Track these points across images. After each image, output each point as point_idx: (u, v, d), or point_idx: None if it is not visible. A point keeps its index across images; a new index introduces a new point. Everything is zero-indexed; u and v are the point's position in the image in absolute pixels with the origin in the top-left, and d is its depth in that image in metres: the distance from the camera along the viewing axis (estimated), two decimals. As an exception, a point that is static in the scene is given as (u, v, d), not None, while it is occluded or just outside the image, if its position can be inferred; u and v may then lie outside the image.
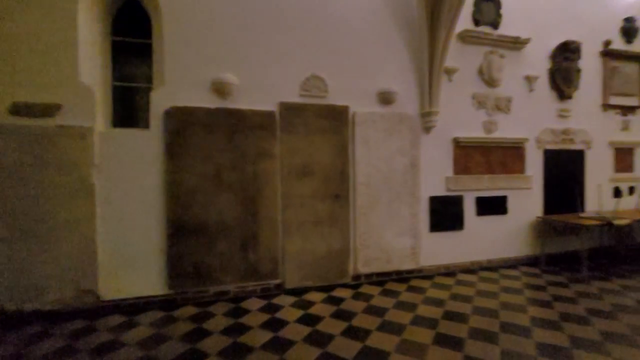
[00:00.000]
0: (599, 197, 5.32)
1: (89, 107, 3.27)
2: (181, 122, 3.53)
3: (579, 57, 5.13)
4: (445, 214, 4.53)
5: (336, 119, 4.08)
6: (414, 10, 4.29)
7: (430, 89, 4.31)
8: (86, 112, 3.26)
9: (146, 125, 3.60)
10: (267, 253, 3.82)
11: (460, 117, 4.61)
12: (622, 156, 5.55)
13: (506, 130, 4.82)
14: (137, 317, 3.22)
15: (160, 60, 3.55)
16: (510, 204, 4.85)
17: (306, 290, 3.91)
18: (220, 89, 3.63)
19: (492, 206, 4.75)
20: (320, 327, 3.02)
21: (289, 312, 3.34)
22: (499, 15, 4.71)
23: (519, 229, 4.91)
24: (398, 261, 4.29)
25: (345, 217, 4.10)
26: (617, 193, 5.45)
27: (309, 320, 3.17)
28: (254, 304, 3.55)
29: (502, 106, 4.78)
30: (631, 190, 5.55)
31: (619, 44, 5.46)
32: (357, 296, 3.76)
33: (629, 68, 5.56)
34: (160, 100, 3.49)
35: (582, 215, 4.76)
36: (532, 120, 4.96)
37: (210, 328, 3.00)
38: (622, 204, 5.31)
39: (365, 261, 4.16)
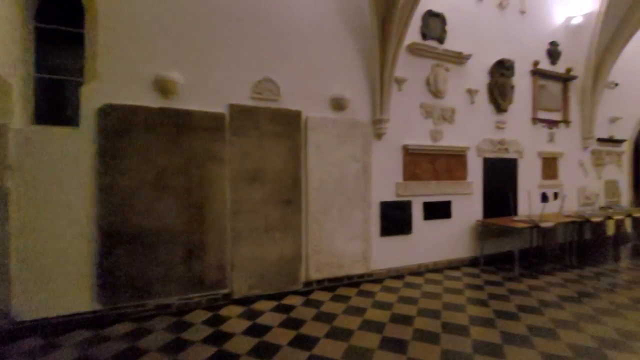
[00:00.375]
0: (529, 201, 5.86)
1: (2, 101, 2.87)
2: (118, 120, 3.24)
3: (513, 74, 5.64)
4: (395, 219, 4.68)
5: (289, 124, 4.03)
6: (367, 20, 4.40)
7: (381, 97, 4.45)
8: (-1, 106, 2.85)
9: (77, 124, 3.24)
10: (214, 262, 3.63)
11: (410, 125, 4.81)
12: (549, 165, 6.19)
13: (450, 139, 5.12)
14: (59, 339, 2.86)
15: (93, 52, 3.23)
16: (454, 209, 5.15)
17: (256, 299, 3.78)
18: (164, 87, 3.40)
19: (438, 211, 5.01)
20: (268, 337, 2.93)
21: (236, 324, 3.20)
22: (444, 31, 5.01)
23: (461, 232, 5.24)
24: (349, 266, 4.33)
25: (298, 222, 4.05)
26: (544, 198, 6.05)
27: (257, 331, 3.05)
28: (199, 316, 3.35)
29: (447, 116, 5.08)
30: (555, 195, 6.20)
31: (545, 65, 6.10)
32: (307, 303, 3.71)
33: (553, 86, 6.24)
34: (93, 96, 3.17)
35: (515, 218, 5.20)
36: (473, 130, 5.34)
37: (145, 346, 2.76)
38: (548, 208, 5.90)
39: (317, 267, 4.14)
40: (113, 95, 3.24)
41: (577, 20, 6.13)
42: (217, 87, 3.68)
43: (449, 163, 5.11)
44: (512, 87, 5.65)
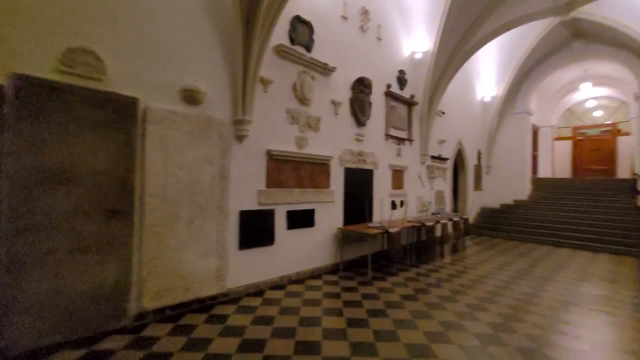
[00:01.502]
0: (381, 209, 6.51)
1: None
2: None
3: (371, 92, 6.18)
4: (257, 229, 4.31)
5: (119, 112, 3.14)
6: (231, 12, 3.94)
7: (244, 96, 4.04)
8: None
9: None
10: (-27, 305, 2.41)
11: (275, 130, 4.57)
12: (397, 176, 7.07)
13: (316, 147, 5.15)
14: None
15: None
16: (318, 217, 5.18)
17: (51, 349, 2.71)
18: None
19: (302, 219, 4.93)
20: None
21: (1, 398, 2.14)
22: (312, 40, 5.04)
23: (324, 240, 5.31)
24: (200, 287, 3.69)
25: (127, 239, 3.17)
26: (393, 206, 6.86)
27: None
28: None
29: (313, 124, 5.10)
30: (402, 203, 7.12)
31: (396, 89, 6.98)
32: (135, 343, 2.89)
33: (401, 108, 7.20)
34: None
35: (369, 225, 5.63)
36: (336, 140, 5.54)
37: None
38: (395, 214, 6.68)
39: (155, 293, 3.33)
40: None
41: (419, 55, 7.29)
42: (-8, 46, 2.52)
43: (313, 171, 5.12)
44: (370, 104, 6.20)
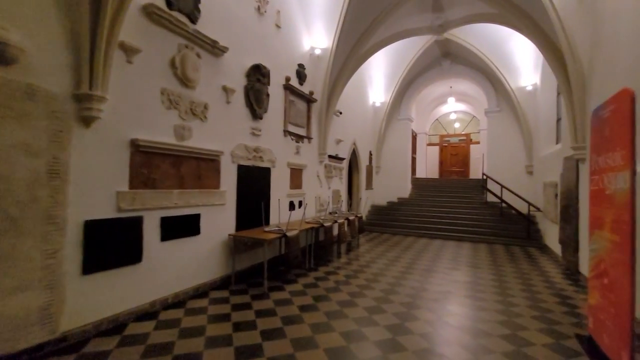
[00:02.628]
0: (279, 210, 6.05)
1: None
2: None
3: (268, 83, 5.63)
4: (114, 244, 3.23)
5: None
6: (68, -64, 2.79)
7: (92, 63, 2.93)
8: None
9: None
10: None
11: (144, 114, 3.55)
12: (295, 175, 6.72)
13: (202, 139, 4.30)
14: None
15: None
16: (204, 223, 4.34)
17: None
18: None
19: (183, 227, 4.02)
20: None
21: None
22: (197, 9, 4.16)
23: (212, 250, 4.50)
24: (12, 337, 2.47)
25: None
26: (291, 206, 6.48)
27: None
28: None
29: (198, 112, 4.23)
30: (300, 204, 6.82)
31: (295, 83, 6.62)
32: None
33: (300, 104, 6.89)
34: None
35: (266, 229, 5.07)
36: (228, 133, 4.79)
37: None
38: (293, 215, 6.33)
39: None
40: None
41: (318, 51, 7.12)
42: None
43: (199, 168, 4.25)
44: (268, 95, 5.65)
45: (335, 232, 7.05)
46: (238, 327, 3.32)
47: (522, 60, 9.12)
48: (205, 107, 4.35)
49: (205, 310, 3.74)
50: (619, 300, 2.50)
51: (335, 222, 6.64)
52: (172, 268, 3.87)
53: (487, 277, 5.39)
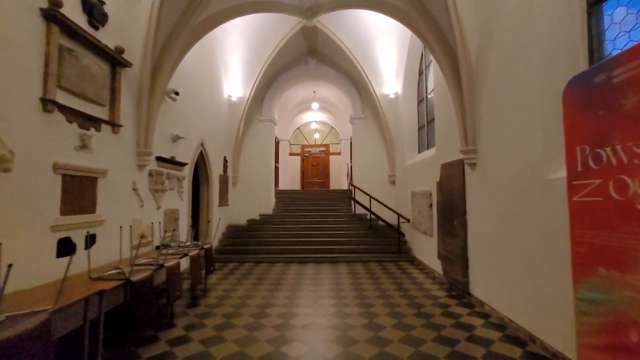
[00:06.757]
0: (38, 259, 2.90)
1: None
2: None
3: (-16, -16, 2.55)
4: None
5: None
6: None
7: None
8: None
9: None
10: None
11: None
12: (79, 188, 3.64)
13: None
14: None
15: None
16: None
17: None
18: None
19: None
20: None
21: None
22: None
23: None
24: None
25: None
26: (69, 248, 3.38)
27: None
28: None
29: None
30: (89, 239, 3.75)
31: (81, 21, 3.64)
32: None
33: (95, 64, 3.90)
34: None
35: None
36: None
37: None
38: (78, 261, 3.25)
39: None
40: None
41: (133, -16, 4.34)
42: None
43: None
44: (-18, 10, 2.55)
45: (162, 279, 4.26)
46: None
47: (385, 67, 8.89)
48: None
49: None
50: None
51: (162, 266, 3.92)
52: None
53: (386, 322, 3.95)
